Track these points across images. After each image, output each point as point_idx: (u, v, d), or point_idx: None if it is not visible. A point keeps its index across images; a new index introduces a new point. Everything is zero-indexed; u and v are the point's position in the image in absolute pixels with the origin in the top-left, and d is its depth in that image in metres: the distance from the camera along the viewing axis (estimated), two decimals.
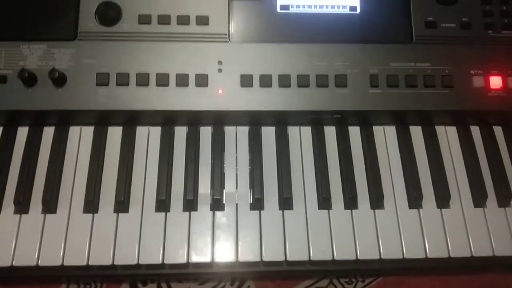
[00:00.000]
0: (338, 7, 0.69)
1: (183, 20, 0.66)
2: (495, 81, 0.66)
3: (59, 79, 0.63)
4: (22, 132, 0.66)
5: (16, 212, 0.61)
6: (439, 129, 0.69)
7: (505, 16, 0.68)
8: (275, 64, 0.66)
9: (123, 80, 0.64)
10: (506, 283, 0.65)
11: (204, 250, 0.60)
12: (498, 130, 0.69)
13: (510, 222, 0.63)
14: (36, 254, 0.58)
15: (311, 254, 0.60)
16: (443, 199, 0.64)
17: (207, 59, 0.65)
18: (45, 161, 0.64)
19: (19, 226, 0.60)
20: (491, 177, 0.66)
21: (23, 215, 0.61)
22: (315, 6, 0.68)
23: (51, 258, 0.58)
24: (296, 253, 0.60)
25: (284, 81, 0.65)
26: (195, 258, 0.59)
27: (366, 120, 0.68)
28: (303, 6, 0.68)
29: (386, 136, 0.68)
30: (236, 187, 0.64)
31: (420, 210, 0.63)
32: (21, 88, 0.63)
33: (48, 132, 0.66)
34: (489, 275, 0.65)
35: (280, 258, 0.60)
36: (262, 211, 0.62)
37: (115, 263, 0.59)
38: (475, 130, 0.69)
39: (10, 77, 0.63)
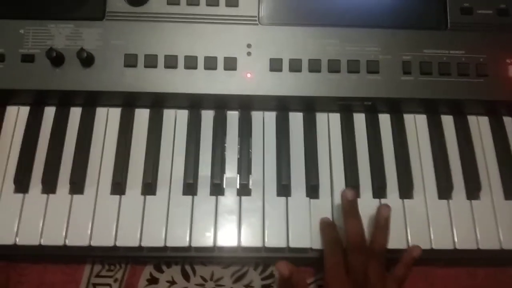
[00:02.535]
0: None
1: (213, 1, 0.65)
2: None
3: (87, 59, 0.62)
4: (49, 112, 0.65)
5: (43, 191, 0.61)
6: (471, 119, 0.67)
7: None
8: (305, 48, 0.64)
9: (151, 61, 0.63)
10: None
11: (230, 235, 0.60)
12: None
13: None
14: (64, 233, 0.59)
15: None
16: (473, 190, 0.63)
17: (236, 42, 0.64)
18: (72, 142, 0.64)
19: (47, 206, 0.60)
20: None
21: (50, 195, 0.61)
22: None
23: (78, 238, 0.59)
24: (319, 241, 0.60)
25: (314, 66, 0.64)
26: (221, 242, 0.59)
27: (397, 108, 0.67)
28: None
29: (417, 125, 0.67)
30: (263, 173, 0.63)
31: (450, 201, 0.62)
32: (48, 68, 0.63)
33: (75, 113, 0.65)
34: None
35: (306, 245, 0.60)
36: (289, 198, 0.62)
37: (142, 244, 0.59)
38: (508, 121, 0.67)
39: (37, 56, 0.63)
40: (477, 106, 0.66)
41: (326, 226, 0.59)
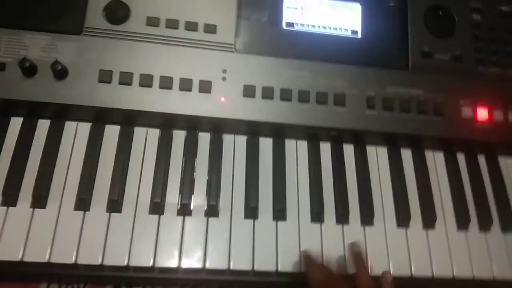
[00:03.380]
0: (341, 29, 0.71)
1: (191, 26, 0.67)
2: (482, 113, 0.70)
3: (60, 72, 0.62)
4: (16, 123, 0.64)
5: (3, 204, 0.59)
6: (428, 154, 0.72)
7: (493, 53, 0.72)
8: (278, 78, 0.67)
9: (126, 79, 0.63)
10: None
11: (196, 256, 0.60)
12: (482, 159, 0.73)
13: (490, 247, 0.66)
14: (22, 248, 0.56)
15: (302, 266, 0.61)
16: (429, 220, 0.66)
17: (212, 67, 0.66)
18: (37, 155, 0.62)
19: (5, 219, 0.58)
20: (474, 202, 0.69)
21: (10, 208, 0.58)
22: (319, 26, 0.71)
23: (37, 254, 0.57)
24: (287, 264, 0.61)
25: (286, 95, 0.67)
26: (186, 263, 0.59)
27: (361, 140, 0.70)
28: (308, 25, 0.71)
29: (378, 156, 0.70)
30: (232, 195, 0.64)
31: (407, 229, 0.65)
32: (20, 77, 0.62)
33: (43, 125, 0.64)
34: None
35: (272, 268, 0.60)
36: (256, 220, 0.63)
37: (104, 263, 0.57)
38: (461, 157, 0.72)
39: (9, 65, 0.62)
40: (433, 142, 0.71)
41: (310, 263, 0.58)
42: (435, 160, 0.72)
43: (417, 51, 0.71)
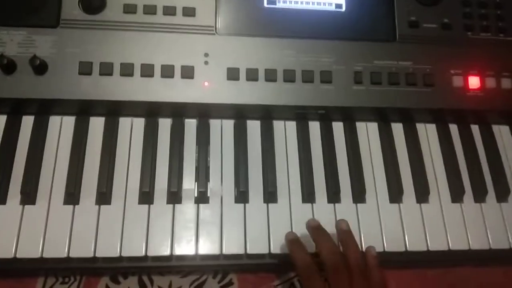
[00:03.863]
0: (324, 4, 0.69)
1: (170, 10, 0.65)
2: (474, 81, 0.68)
3: (40, 67, 0.61)
4: (0, 121, 0.63)
5: None
6: (420, 127, 0.70)
7: (483, 19, 0.70)
8: (262, 58, 0.66)
9: (106, 69, 0.63)
10: (477, 276, 0.67)
11: (188, 243, 0.60)
12: (475, 129, 0.72)
13: (486, 217, 0.65)
14: (14, 246, 0.57)
15: (287, 248, 0.60)
16: (422, 194, 0.65)
17: (193, 51, 0.65)
18: (23, 151, 0.62)
19: None
20: (468, 173, 0.68)
21: (0, 206, 0.59)
22: (302, 2, 0.69)
23: (30, 250, 0.57)
24: (280, 246, 0.61)
25: (271, 75, 0.65)
26: (178, 251, 0.59)
27: (350, 116, 0.69)
28: (290, 2, 0.69)
29: (368, 132, 0.69)
30: (221, 180, 0.64)
31: (401, 204, 0.65)
32: None
33: (27, 121, 0.64)
34: (463, 268, 0.67)
35: (264, 250, 0.60)
36: (246, 204, 0.62)
37: (97, 255, 0.58)
38: (453, 128, 0.71)
39: None
40: (424, 114, 0.70)
41: (294, 247, 0.57)
42: (427, 133, 0.70)
43: (403, 21, 0.69)
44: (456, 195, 0.66)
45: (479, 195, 0.66)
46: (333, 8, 0.69)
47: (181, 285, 0.63)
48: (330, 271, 0.54)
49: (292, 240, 0.58)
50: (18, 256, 0.57)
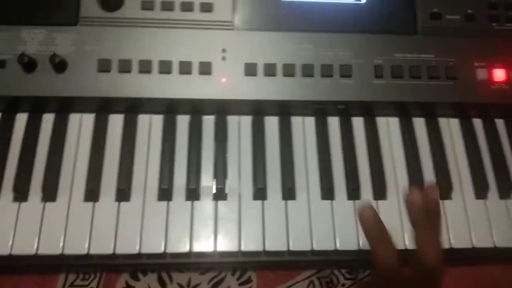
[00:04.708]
0: None
1: (187, 6, 0.65)
2: (499, 74, 0.66)
3: (60, 65, 0.61)
4: (21, 119, 0.64)
5: (15, 200, 0.60)
6: (442, 121, 0.69)
7: (509, 8, 0.68)
8: (280, 53, 0.65)
9: (125, 66, 0.63)
10: (504, 275, 0.65)
11: (206, 240, 0.59)
12: (500, 123, 0.69)
13: (511, 214, 0.63)
14: (36, 242, 0.57)
15: (314, 244, 0.60)
16: (445, 190, 0.64)
17: (210, 47, 0.64)
18: (44, 149, 0.63)
19: (18, 214, 0.59)
20: (493, 169, 0.66)
21: (22, 203, 0.59)
22: None
23: (50, 246, 0.57)
24: (299, 243, 0.60)
25: (289, 70, 0.64)
26: (197, 247, 0.59)
27: (370, 111, 0.68)
28: None
29: (389, 128, 0.68)
30: (239, 177, 0.63)
31: None
32: (20, 74, 0.62)
33: (48, 119, 0.64)
34: (489, 266, 0.65)
35: (283, 248, 0.60)
36: (265, 201, 0.62)
37: (116, 252, 0.58)
38: (477, 123, 0.69)
39: (9, 62, 0.62)
40: (447, 108, 0.68)
41: (379, 242, 0.44)
42: (450, 127, 0.68)
43: (425, 13, 0.67)
44: (481, 191, 0.64)
45: (505, 191, 0.64)
46: (352, 0, 0.68)
47: (200, 282, 0.63)
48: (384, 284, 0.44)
49: (376, 229, 0.44)
50: (39, 253, 0.57)
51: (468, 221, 0.63)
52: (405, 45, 0.66)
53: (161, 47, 0.64)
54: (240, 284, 0.64)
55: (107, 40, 0.63)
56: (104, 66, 0.62)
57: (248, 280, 0.64)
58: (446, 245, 0.61)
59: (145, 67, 0.63)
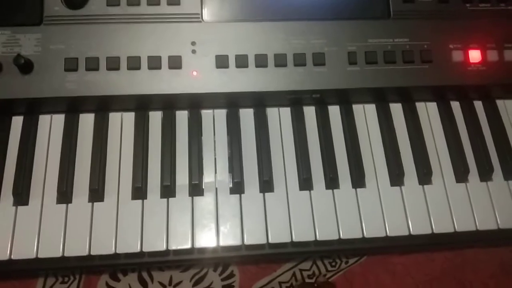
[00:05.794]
0: None
1: (154, 0, 0.63)
2: (474, 55, 0.65)
3: (25, 66, 0.60)
4: None
5: None
6: (420, 106, 0.68)
7: None
8: (251, 44, 0.64)
9: (92, 64, 0.61)
10: (488, 257, 0.65)
11: (183, 237, 0.58)
12: (478, 105, 0.68)
13: (493, 197, 0.62)
14: (9, 247, 0.56)
15: (293, 236, 0.59)
16: (425, 175, 0.63)
17: (180, 40, 0.63)
18: (14, 152, 0.61)
19: None
20: (472, 152, 0.65)
21: None
22: None
23: (24, 250, 0.56)
24: (278, 235, 0.59)
25: (261, 61, 0.63)
26: (174, 245, 0.58)
27: (346, 99, 0.67)
28: None
29: (366, 115, 0.67)
30: (215, 171, 0.62)
31: (402, 187, 0.62)
32: None
33: (17, 122, 0.63)
34: (472, 250, 0.65)
35: (262, 241, 0.59)
36: (242, 195, 0.61)
37: (92, 253, 0.57)
38: (455, 106, 0.68)
39: None
40: (424, 92, 0.67)
41: None
42: (428, 111, 0.68)
43: None
44: (461, 175, 0.63)
45: (485, 174, 0.64)
46: None
47: (182, 279, 0.63)
48: None
49: None
50: (13, 257, 0.56)
51: (449, 206, 0.62)
52: (379, 30, 0.65)
53: (128, 43, 0.62)
54: (222, 280, 0.63)
55: (73, 38, 0.62)
56: (71, 65, 0.61)
57: (231, 275, 0.63)
58: (427, 231, 0.60)
59: (113, 64, 0.61)
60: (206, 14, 0.64)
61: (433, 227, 0.61)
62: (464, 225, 0.61)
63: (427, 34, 0.66)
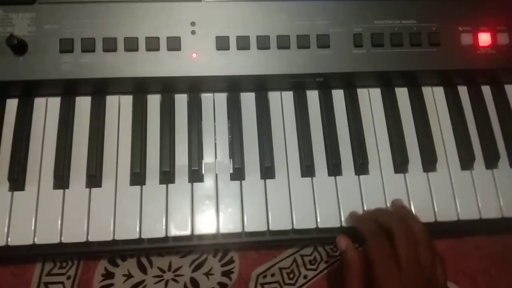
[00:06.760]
0: None
1: None
2: (484, 38, 0.63)
3: (18, 47, 0.58)
4: None
5: None
6: (426, 90, 0.66)
7: None
8: (253, 25, 0.62)
9: (88, 45, 0.59)
10: (492, 245, 0.64)
11: (183, 223, 0.58)
12: (486, 90, 0.67)
13: (498, 185, 0.61)
14: (6, 233, 0.55)
15: (295, 223, 0.58)
16: (429, 162, 0.62)
17: (178, 21, 0.61)
18: (9, 136, 0.60)
19: None
20: (479, 139, 0.64)
21: None
22: None
23: (21, 237, 0.56)
24: (279, 223, 0.58)
25: (263, 43, 0.61)
26: (174, 232, 0.57)
27: (350, 83, 0.65)
28: None
29: (371, 99, 0.65)
30: (215, 157, 0.61)
31: (406, 174, 0.61)
32: None
33: (12, 105, 0.61)
34: (475, 238, 0.64)
35: (263, 228, 0.58)
36: (243, 181, 0.60)
37: (90, 239, 0.56)
38: (462, 90, 0.66)
39: None
40: (431, 76, 0.65)
41: (360, 220, 0.57)
42: (434, 96, 0.66)
43: None
44: (466, 162, 0.62)
45: (491, 161, 0.62)
46: None
47: (181, 265, 0.62)
48: (401, 237, 0.51)
49: (356, 217, 0.58)
50: (10, 243, 0.55)
51: (453, 194, 0.61)
52: (385, 11, 0.63)
53: (125, 23, 0.60)
54: (222, 265, 0.62)
55: (68, 18, 0.60)
56: (66, 46, 0.59)
57: (231, 261, 0.63)
58: (430, 219, 0.59)
59: (109, 45, 0.59)
60: None
61: (437, 214, 0.60)
62: (468, 214, 0.60)
63: (435, 16, 0.63)
